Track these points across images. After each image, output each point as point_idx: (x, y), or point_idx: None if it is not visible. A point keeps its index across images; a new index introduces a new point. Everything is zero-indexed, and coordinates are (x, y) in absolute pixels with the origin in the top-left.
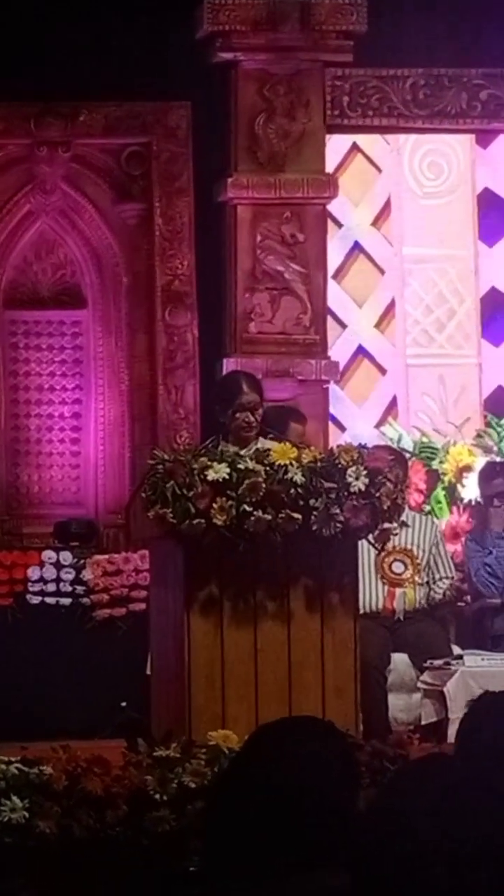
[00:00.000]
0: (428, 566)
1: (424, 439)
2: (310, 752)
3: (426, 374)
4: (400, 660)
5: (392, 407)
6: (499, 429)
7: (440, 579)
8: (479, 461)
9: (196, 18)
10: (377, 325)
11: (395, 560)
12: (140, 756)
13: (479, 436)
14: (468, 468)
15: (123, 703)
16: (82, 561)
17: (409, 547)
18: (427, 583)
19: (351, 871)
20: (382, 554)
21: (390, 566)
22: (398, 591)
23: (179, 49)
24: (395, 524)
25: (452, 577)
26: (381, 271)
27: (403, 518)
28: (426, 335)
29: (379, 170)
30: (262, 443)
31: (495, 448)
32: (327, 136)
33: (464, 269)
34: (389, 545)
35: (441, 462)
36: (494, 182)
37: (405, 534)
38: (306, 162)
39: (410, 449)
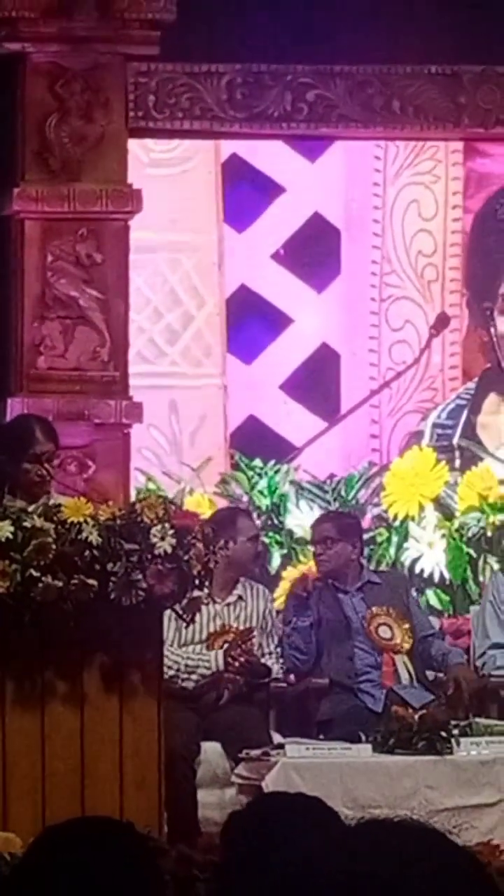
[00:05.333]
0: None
1: (151, 486)
2: (104, 858)
3: (153, 398)
4: (211, 749)
5: None
6: (250, 472)
7: (264, 655)
8: None
9: None
10: None
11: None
12: None
13: (223, 481)
14: None
15: None
16: None
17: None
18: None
19: None
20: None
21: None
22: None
23: None
24: (204, 592)
25: (274, 653)
26: None
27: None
28: (153, 347)
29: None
30: (54, 498)
31: (245, 497)
32: (130, 142)
33: (204, 260)
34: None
35: None
36: (245, 146)
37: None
38: (105, 171)
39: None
